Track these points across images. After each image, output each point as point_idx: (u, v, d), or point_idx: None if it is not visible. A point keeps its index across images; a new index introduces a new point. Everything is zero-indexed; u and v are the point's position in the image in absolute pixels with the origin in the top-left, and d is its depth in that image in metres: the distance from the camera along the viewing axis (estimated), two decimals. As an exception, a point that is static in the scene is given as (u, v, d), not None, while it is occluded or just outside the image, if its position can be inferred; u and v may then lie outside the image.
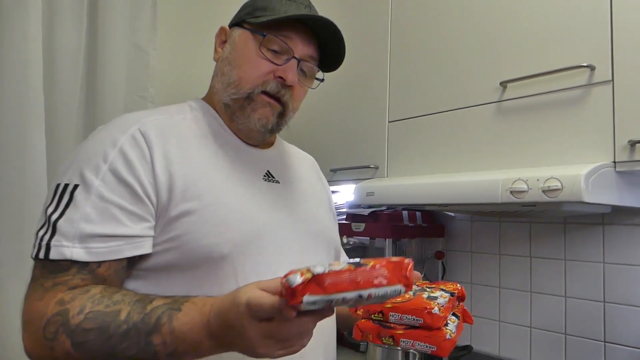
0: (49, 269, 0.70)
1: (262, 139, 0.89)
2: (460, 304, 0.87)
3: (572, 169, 1.01)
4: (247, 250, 0.77)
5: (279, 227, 0.82)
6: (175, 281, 0.74)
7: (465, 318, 0.85)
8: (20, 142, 1.28)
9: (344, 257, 1.14)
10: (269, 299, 0.58)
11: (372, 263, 0.57)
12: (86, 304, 0.66)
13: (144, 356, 0.65)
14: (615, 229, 1.35)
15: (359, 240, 1.86)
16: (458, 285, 0.85)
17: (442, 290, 0.80)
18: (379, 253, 1.71)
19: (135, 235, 0.73)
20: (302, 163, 1.03)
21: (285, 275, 0.55)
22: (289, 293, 0.54)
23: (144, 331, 0.65)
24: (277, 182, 0.89)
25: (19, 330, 0.68)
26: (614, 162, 1.04)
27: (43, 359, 0.67)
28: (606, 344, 1.33)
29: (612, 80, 1.06)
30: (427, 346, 0.72)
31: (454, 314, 0.82)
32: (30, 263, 0.74)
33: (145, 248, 0.74)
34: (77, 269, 0.70)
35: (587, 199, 0.97)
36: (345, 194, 1.98)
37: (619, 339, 1.31)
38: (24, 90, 1.29)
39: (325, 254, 0.92)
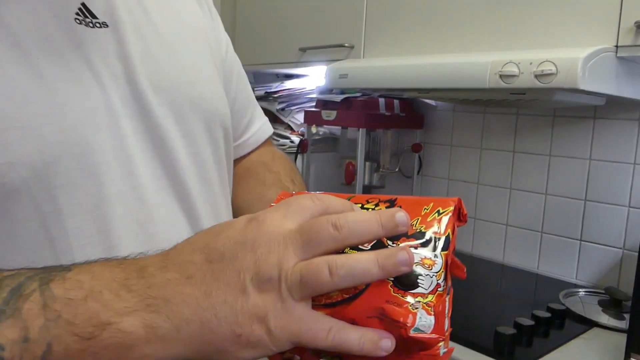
0: None
1: None
2: (450, 257, 0.44)
3: (569, 52, 0.99)
4: (54, 173, 0.47)
5: (107, 121, 0.51)
6: None
7: (455, 272, 0.47)
8: None
9: (255, 126, 0.81)
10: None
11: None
12: None
13: None
14: (606, 123, 1.37)
15: (329, 130, 1.85)
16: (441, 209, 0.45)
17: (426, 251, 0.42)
18: (351, 145, 1.71)
19: None
20: None
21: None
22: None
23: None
24: (103, 24, 0.53)
25: None
26: (616, 46, 1.02)
27: None
28: (582, 242, 1.41)
29: (627, -51, 1.01)
30: None
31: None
32: None
33: None
34: None
35: (583, 86, 0.96)
36: (316, 77, 1.93)
37: (596, 237, 1.39)
38: None
39: (206, 142, 0.61)
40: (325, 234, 0.36)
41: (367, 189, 1.72)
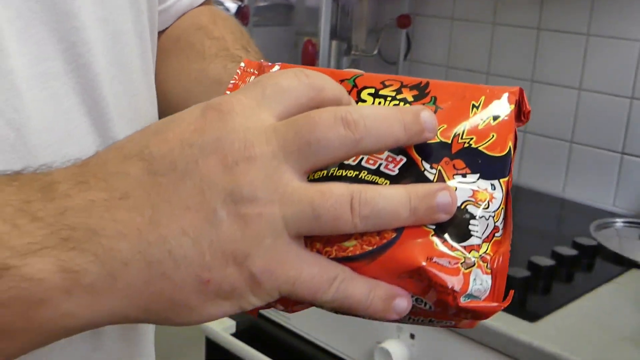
0: None
1: None
2: (510, 183, 0.44)
3: None
4: None
5: None
6: None
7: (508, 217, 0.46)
8: None
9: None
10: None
11: None
12: None
13: None
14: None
15: (279, -6, 1.81)
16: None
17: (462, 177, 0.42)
18: (311, 15, 1.67)
19: None
20: None
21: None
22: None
23: None
24: None
25: None
26: None
27: None
28: (624, 156, 1.44)
29: None
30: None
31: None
32: None
33: None
34: None
35: None
36: None
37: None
38: None
39: (124, 2, 0.55)
40: (334, 135, 0.33)
41: (332, 80, 1.71)
